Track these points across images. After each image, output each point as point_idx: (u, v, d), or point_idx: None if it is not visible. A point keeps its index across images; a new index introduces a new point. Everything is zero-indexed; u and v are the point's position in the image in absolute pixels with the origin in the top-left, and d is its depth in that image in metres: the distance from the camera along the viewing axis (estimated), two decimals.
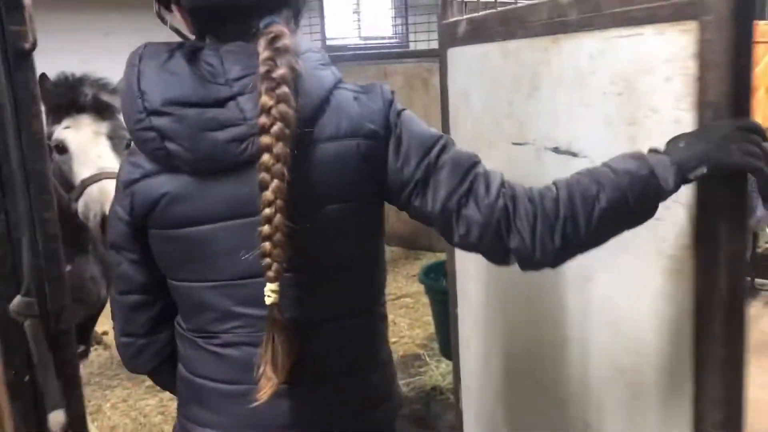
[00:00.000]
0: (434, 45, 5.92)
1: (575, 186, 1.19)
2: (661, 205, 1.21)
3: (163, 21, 1.33)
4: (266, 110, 1.10)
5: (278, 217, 1.10)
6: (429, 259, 6.09)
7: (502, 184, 1.22)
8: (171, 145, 1.16)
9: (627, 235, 1.23)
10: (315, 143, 1.18)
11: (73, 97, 2.52)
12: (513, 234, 1.18)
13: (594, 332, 1.70)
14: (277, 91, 1.10)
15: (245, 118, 1.14)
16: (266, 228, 1.11)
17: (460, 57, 2.25)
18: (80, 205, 2.44)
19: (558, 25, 1.68)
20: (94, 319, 3.29)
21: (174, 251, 1.26)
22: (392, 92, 1.27)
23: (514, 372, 2.12)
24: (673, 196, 1.21)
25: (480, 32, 2.08)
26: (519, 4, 2.01)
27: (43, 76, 2.53)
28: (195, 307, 1.29)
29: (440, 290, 3.80)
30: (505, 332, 2.15)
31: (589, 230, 1.18)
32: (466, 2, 2.39)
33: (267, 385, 1.15)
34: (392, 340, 4.77)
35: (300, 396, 1.27)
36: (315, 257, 1.23)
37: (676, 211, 1.37)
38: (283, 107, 1.10)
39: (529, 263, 1.22)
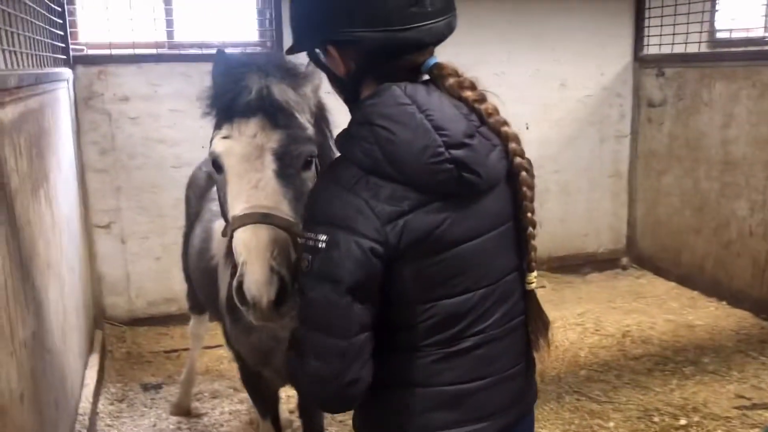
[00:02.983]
0: None
1: None
2: None
3: (317, 63, 1.56)
4: (514, 138, 1.49)
5: (534, 220, 1.52)
6: None
7: None
8: (466, 174, 1.40)
9: None
10: None
11: (235, 92, 1.73)
12: None
13: None
14: (505, 120, 1.51)
15: (494, 144, 1.48)
16: (532, 230, 1.52)
17: None
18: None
19: None
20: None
21: (438, 272, 1.43)
22: None
23: None
24: None
25: None
26: None
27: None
28: (447, 320, 1.46)
29: None
30: None
31: None
32: None
33: (546, 356, 1.63)
34: None
35: (517, 377, 1.60)
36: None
37: None
38: (514, 134, 1.51)
39: None
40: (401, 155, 1.36)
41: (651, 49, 5.78)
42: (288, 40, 4.89)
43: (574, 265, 6.00)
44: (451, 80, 1.47)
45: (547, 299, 5.25)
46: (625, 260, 6.15)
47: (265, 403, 2.65)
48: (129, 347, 4.66)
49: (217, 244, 2.63)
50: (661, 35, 5.60)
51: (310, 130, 1.79)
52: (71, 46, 4.42)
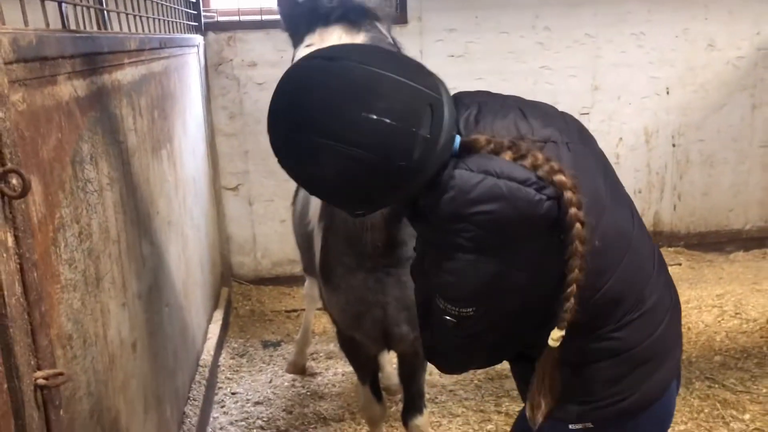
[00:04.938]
0: None
1: None
2: None
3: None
4: (571, 187, 1.40)
5: (579, 278, 1.42)
6: None
7: None
8: (563, 202, 1.38)
9: None
10: None
11: (313, 3, 1.79)
12: None
13: None
14: (559, 167, 1.43)
15: None
16: (575, 289, 1.43)
17: None
18: None
19: None
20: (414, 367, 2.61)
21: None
22: None
23: None
24: None
25: None
26: None
27: None
28: (621, 294, 1.50)
29: None
30: None
31: None
32: None
33: None
34: None
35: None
36: None
37: None
38: (571, 182, 1.42)
39: None
40: (507, 224, 1.34)
41: None
42: (412, 5, 4.81)
43: (716, 242, 5.53)
44: (487, 149, 1.39)
45: (682, 277, 4.89)
46: None
47: (363, 368, 2.64)
48: (253, 305, 4.85)
49: (313, 210, 2.64)
50: None
51: (389, 39, 1.76)
52: (203, 13, 4.58)
